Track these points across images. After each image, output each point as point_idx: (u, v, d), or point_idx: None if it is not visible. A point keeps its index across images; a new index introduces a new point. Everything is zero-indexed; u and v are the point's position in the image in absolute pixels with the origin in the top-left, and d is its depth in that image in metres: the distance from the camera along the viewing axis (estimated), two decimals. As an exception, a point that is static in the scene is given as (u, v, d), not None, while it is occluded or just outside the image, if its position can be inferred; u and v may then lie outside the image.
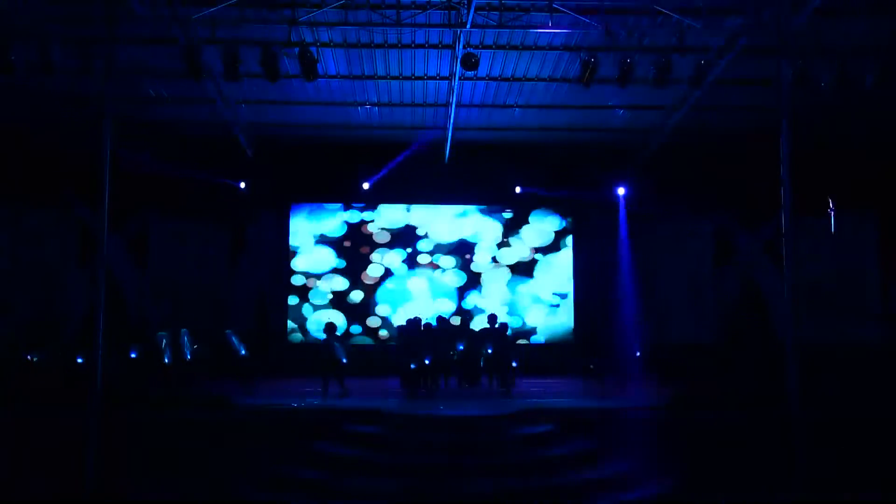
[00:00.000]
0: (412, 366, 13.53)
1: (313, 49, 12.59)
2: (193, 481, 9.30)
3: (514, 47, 13.56)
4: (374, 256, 18.78)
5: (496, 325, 14.82)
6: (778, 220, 11.10)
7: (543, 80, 14.73)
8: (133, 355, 13.86)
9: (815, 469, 9.23)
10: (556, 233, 19.05)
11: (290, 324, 18.44)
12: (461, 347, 14.48)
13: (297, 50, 12.40)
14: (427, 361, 13.52)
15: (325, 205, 18.84)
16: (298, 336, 18.41)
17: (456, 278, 18.76)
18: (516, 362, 14.36)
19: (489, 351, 14.37)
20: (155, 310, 17.62)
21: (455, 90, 14.31)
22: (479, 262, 18.84)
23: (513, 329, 17.53)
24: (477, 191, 18.67)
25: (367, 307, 18.57)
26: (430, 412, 11.09)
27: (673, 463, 9.67)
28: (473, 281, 18.76)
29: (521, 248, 18.97)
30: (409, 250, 18.78)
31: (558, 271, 18.91)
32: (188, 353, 14.27)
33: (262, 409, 11.40)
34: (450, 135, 16.63)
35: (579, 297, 18.78)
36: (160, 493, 9.05)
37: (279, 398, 12.42)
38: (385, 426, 10.55)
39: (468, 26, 11.74)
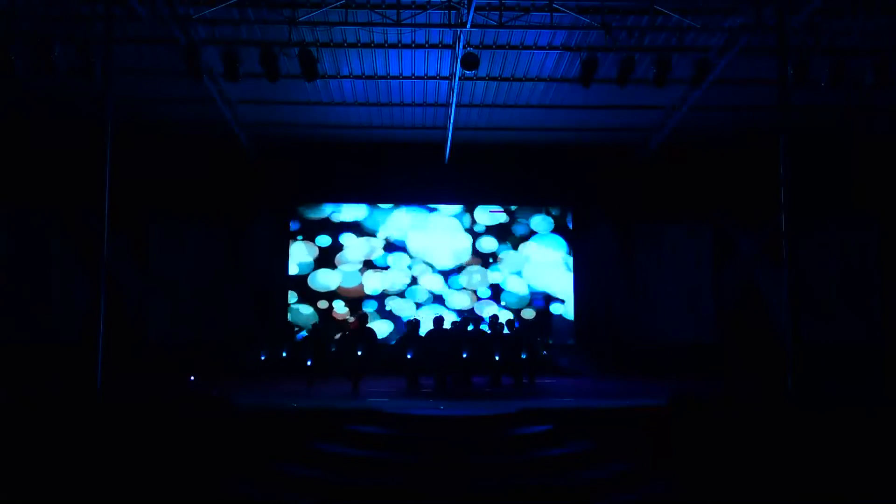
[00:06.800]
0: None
1: (313, 49, 12.61)
2: (193, 481, 9.29)
3: (514, 47, 13.57)
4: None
5: (499, 328, 14.83)
6: (778, 221, 11.10)
7: (543, 80, 14.74)
8: None
9: (816, 469, 9.22)
10: (557, 233, 19.04)
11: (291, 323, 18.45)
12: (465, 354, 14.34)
13: (296, 50, 12.43)
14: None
15: (324, 205, 18.84)
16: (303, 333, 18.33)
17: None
18: (525, 355, 14.49)
19: (496, 356, 14.34)
20: (154, 310, 17.67)
21: (455, 90, 14.32)
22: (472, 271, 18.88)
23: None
24: (477, 191, 18.68)
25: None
26: (431, 412, 11.08)
27: (673, 463, 9.67)
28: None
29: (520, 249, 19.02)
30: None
31: (558, 270, 18.92)
32: None
33: (262, 408, 11.37)
34: (450, 135, 16.64)
35: (579, 297, 18.76)
36: (160, 492, 9.03)
37: (279, 398, 12.40)
38: (385, 426, 10.54)
39: (468, 26, 11.77)
